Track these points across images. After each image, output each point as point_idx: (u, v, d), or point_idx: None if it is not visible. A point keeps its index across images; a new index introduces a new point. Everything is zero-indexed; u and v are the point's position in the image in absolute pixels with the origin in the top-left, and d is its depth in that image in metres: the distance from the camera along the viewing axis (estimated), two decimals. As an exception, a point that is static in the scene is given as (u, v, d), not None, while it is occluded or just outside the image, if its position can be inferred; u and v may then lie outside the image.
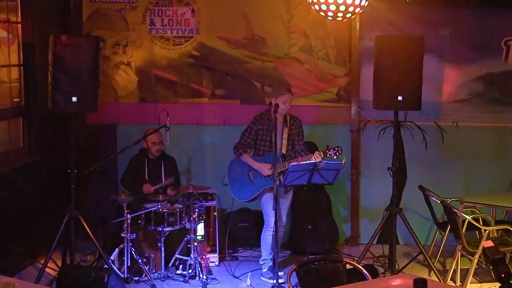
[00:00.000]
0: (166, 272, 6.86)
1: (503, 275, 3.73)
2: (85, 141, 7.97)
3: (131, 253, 6.72)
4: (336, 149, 6.54)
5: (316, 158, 6.46)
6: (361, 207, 8.03)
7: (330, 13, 6.44)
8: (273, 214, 6.68)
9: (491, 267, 3.87)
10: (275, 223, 6.51)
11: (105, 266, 6.62)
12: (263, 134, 6.81)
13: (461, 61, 7.83)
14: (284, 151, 6.72)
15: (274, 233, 6.66)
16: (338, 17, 6.53)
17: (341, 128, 7.95)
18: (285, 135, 6.73)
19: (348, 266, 4.93)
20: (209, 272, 7.00)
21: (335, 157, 6.55)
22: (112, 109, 8.04)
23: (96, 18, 7.98)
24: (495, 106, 7.85)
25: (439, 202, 6.92)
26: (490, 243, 3.86)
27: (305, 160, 6.49)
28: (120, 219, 6.72)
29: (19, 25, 7.17)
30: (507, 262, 5.83)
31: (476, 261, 6.39)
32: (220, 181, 7.18)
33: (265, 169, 6.70)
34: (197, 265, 6.78)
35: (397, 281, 4.75)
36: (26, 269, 6.94)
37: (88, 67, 6.43)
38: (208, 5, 7.95)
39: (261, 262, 7.00)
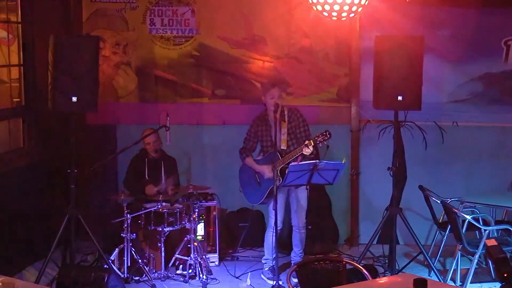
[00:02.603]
0: (166, 272, 6.86)
1: (505, 275, 3.73)
2: (85, 141, 7.97)
3: (131, 253, 6.72)
4: (324, 133, 6.41)
5: (307, 149, 6.39)
6: (361, 207, 8.03)
7: (332, 13, 6.46)
8: (273, 214, 6.70)
9: (493, 266, 3.86)
10: (275, 223, 6.52)
11: (105, 266, 6.62)
12: (262, 135, 6.81)
13: (461, 61, 7.82)
14: (284, 147, 6.68)
15: (274, 234, 6.68)
16: (339, 16, 6.55)
17: (341, 128, 7.94)
18: (284, 130, 6.70)
19: (348, 266, 4.93)
20: (209, 272, 7.00)
21: (325, 142, 6.45)
22: (112, 109, 8.04)
23: (96, 18, 7.98)
24: (495, 106, 7.85)
25: (439, 202, 6.92)
26: (493, 242, 3.85)
27: (298, 153, 6.45)
28: (120, 219, 6.72)
29: (19, 25, 7.17)
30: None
31: (476, 261, 6.40)
32: (220, 181, 7.20)
33: (266, 172, 6.70)
34: (197, 265, 6.78)
35: (397, 281, 4.75)
36: (26, 269, 6.94)
37: (88, 67, 6.42)
38: (208, 5, 7.95)
39: (263, 261, 7.03)
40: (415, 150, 7.86)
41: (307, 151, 6.39)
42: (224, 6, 7.94)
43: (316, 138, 6.43)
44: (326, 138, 6.42)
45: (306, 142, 6.41)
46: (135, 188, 7.19)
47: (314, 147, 6.43)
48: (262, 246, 7.07)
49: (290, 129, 6.74)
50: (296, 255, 6.93)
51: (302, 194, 6.80)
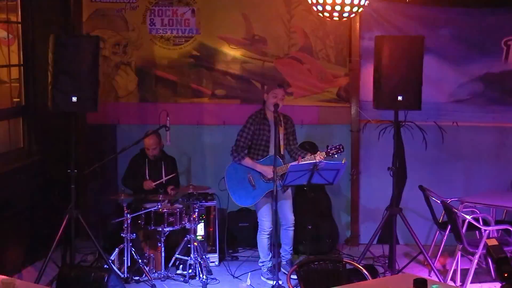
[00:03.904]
0: (166, 272, 6.86)
1: (506, 275, 3.73)
2: (85, 141, 7.97)
3: (131, 253, 6.72)
4: (338, 147, 6.52)
5: (319, 158, 6.45)
6: (361, 207, 8.03)
7: (332, 13, 6.46)
8: (267, 218, 6.72)
9: (494, 266, 3.86)
10: (275, 224, 6.52)
11: (105, 266, 6.62)
12: (258, 134, 6.77)
13: (461, 61, 7.82)
14: (282, 152, 6.70)
15: (268, 236, 6.70)
16: (339, 17, 6.55)
17: (341, 128, 7.94)
18: (281, 135, 6.70)
19: (348, 266, 4.93)
20: (209, 272, 7.00)
21: (336, 155, 6.53)
22: (112, 109, 8.05)
23: (96, 18, 7.98)
24: (495, 106, 7.84)
25: (439, 202, 6.92)
26: (494, 242, 3.85)
27: (307, 161, 6.48)
28: (120, 219, 6.72)
29: (19, 25, 7.17)
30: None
31: (476, 261, 6.40)
32: (220, 181, 7.15)
33: (269, 171, 6.62)
34: (197, 265, 6.77)
35: (397, 281, 4.75)
36: (26, 269, 6.94)
37: (88, 67, 6.42)
38: (208, 5, 7.95)
39: (260, 264, 7.01)
40: (415, 150, 7.86)
41: (319, 160, 6.43)
42: (224, 6, 7.94)
43: (329, 150, 6.48)
44: (339, 152, 6.50)
45: (318, 152, 6.52)
46: (133, 185, 7.19)
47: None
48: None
49: (285, 135, 6.75)
50: (287, 253, 6.93)
51: (287, 192, 6.83)
